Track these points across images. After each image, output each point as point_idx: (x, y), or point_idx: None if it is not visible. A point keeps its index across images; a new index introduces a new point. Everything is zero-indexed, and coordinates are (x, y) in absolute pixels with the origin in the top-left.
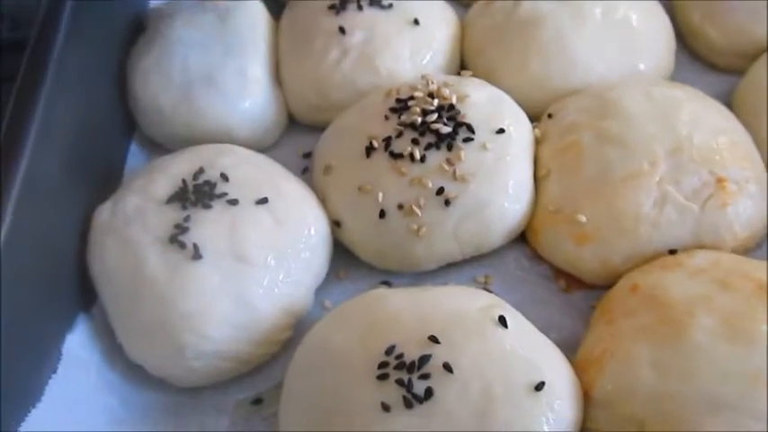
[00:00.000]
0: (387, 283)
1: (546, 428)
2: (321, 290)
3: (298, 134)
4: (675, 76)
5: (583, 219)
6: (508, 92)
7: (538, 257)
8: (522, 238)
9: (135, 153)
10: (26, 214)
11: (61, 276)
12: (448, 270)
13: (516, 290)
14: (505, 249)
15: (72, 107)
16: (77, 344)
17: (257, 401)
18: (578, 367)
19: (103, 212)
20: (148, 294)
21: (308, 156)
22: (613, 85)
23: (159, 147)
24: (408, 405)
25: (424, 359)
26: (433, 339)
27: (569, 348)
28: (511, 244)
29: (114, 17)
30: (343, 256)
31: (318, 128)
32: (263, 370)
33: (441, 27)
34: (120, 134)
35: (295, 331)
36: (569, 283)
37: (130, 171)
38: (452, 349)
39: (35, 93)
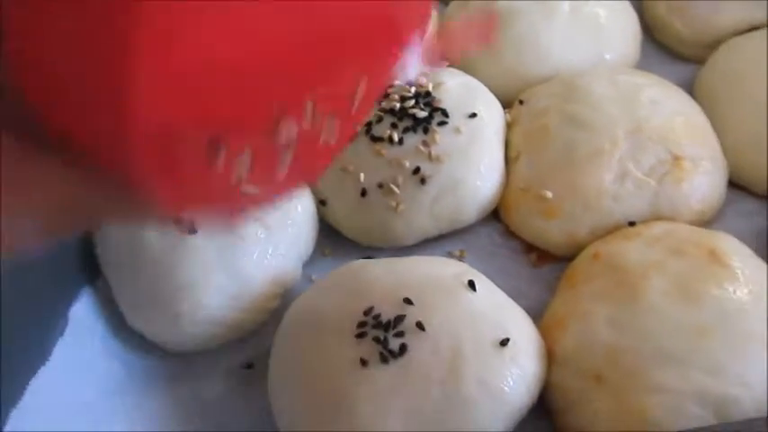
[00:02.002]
0: (369, 258)
1: (510, 380)
2: (308, 266)
3: None
4: (643, 66)
5: (549, 194)
6: (484, 82)
7: (510, 234)
8: (496, 217)
9: None
10: None
11: (66, 249)
12: (425, 245)
13: (488, 262)
14: (480, 227)
15: None
16: (82, 312)
17: (248, 366)
18: (544, 329)
19: None
20: (148, 267)
21: None
22: (582, 73)
23: None
24: (384, 360)
25: (399, 319)
26: (408, 301)
27: (537, 315)
28: (485, 222)
29: None
30: (328, 235)
31: None
32: (253, 339)
33: None
34: None
35: (283, 302)
36: (540, 257)
37: None
38: (425, 310)
39: None
